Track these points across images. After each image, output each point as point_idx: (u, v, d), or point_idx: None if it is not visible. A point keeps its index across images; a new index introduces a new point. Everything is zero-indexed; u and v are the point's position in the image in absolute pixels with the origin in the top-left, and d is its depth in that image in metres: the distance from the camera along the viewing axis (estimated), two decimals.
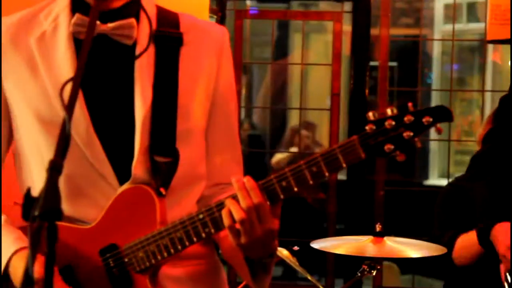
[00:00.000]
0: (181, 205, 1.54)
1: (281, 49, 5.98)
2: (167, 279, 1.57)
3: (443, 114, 1.26)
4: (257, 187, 1.30)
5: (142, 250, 1.49)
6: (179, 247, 1.41)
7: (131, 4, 1.52)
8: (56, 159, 1.10)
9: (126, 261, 1.51)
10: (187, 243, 1.40)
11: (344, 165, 1.26)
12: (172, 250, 1.42)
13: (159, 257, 1.44)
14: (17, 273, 1.40)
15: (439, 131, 1.26)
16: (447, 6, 6.25)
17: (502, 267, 2.22)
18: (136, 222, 1.52)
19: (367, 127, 1.28)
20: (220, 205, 1.32)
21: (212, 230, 1.37)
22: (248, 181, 1.29)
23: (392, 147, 1.24)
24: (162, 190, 1.48)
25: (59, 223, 1.06)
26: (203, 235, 1.38)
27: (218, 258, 1.69)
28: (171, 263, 1.56)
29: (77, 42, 1.46)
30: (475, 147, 2.77)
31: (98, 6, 1.38)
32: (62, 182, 1.25)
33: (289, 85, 6.09)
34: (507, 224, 2.20)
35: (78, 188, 1.52)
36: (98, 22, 1.45)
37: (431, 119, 1.23)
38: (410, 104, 1.25)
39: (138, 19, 1.51)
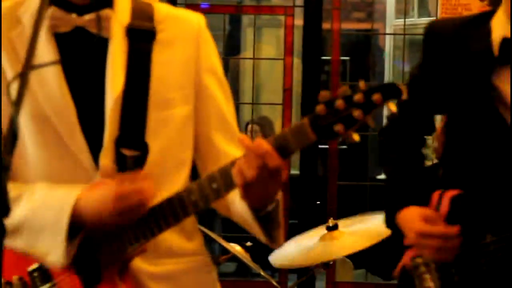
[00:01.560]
0: (164, 192, 1.58)
1: (233, 44, 6.01)
2: (151, 279, 1.62)
3: (393, 91, 1.30)
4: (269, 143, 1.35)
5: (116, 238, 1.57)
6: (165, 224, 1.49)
7: None
8: (4, 156, 1.09)
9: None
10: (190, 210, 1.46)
11: (294, 148, 1.31)
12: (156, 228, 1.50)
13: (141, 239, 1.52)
14: (89, 203, 1.44)
15: (390, 110, 1.32)
16: (398, 1, 6.37)
17: (409, 253, 2.06)
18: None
19: (317, 108, 1.32)
20: (233, 163, 1.37)
21: (202, 204, 1.42)
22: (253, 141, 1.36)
23: (343, 127, 1.27)
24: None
25: None
26: (213, 196, 1.42)
27: (209, 257, 1.72)
28: (157, 257, 1.61)
29: (57, 36, 1.52)
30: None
31: (63, 16, 1.50)
32: (45, 169, 1.51)
33: (242, 80, 6.10)
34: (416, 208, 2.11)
35: (60, 174, 1.57)
36: (75, 15, 1.55)
37: (381, 97, 1.27)
38: (361, 83, 1.28)
39: (112, 9, 1.58)
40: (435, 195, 1.97)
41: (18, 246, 1.56)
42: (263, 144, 1.31)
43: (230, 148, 1.63)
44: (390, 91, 1.29)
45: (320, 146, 4.25)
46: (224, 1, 5.42)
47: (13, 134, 1.11)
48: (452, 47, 2.00)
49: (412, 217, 1.95)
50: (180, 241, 1.67)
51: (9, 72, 1.60)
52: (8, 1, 1.71)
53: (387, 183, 2.19)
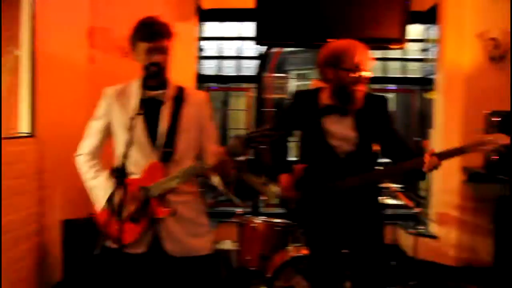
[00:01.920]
0: (183, 166, 2.79)
1: (226, 103, 7.73)
2: (175, 203, 2.79)
3: (277, 130, 2.64)
4: (224, 151, 2.56)
5: (158, 187, 2.75)
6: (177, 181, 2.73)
7: (163, 83, 2.80)
8: (125, 151, 2.44)
9: (149, 193, 2.76)
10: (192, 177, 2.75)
11: (239, 153, 2.56)
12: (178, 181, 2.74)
13: (165, 188, 2.75)
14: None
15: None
16: (297, 85, 9.20)
17: None
18: (155, 176, 2.77)
19: (246, 135, 2.54)
20: (202, 161, 2.72)
21: (195, 172, 2.72)
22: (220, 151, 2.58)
23: (256, 144, 2.49)
24: (165, 163, 2.77)
25: (129, 178, 2.52)
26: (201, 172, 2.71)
27: (201, 194, 2.96)
28: (176, 194, 2.77)
29: (142, 100, 2.69)
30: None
31: (145, 92, 2.71)
32: (135, 158, 2.74)
33: (229, 119, 7.77)
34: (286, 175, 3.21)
35: (140, 161, 2.79)
36: (149, 91, 2.78)
37: (273, 132, 2.51)
38: (266, 126, 2.49)
39: (166, 89, 2.82)
40: (296, 166, 3.21)
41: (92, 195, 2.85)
42: (222, 153, 2.55)
43: (213, 148, 2.84)
44: (276, 129, 2.58)
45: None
46: (222, 85, 6.93)
47: (129, 142, 2.52)
48: (304, 104, 3.20)
49: (283, 179, 3.21)
50: (186, 186, 2.82)
51: (117, 113, 2.83)
52: (119, 84, 2.92)
53: (274, 164, 3.34)
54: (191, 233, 2.84)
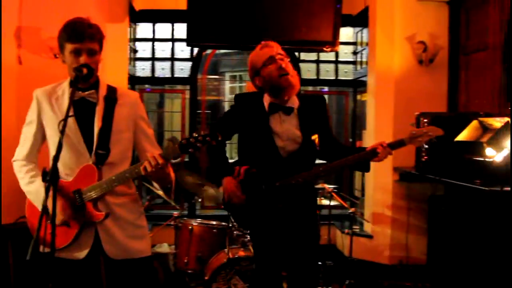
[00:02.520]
0: (116, 171, 2.73)
1: (160, 105, 8.19)
2: (113, 205, 2.78)
3: (215, 135, 2.47)
4: (159, 156, 2.55)
5: (93, 190, 2.71)
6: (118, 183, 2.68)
7: (94, 84, 2.75)
8: (56, 154, 2.28)
9: (84, 196, 2.71)
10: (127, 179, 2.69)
11: (171, 157, 2.56)
12: (113, 185, 2.68)
13: (101, 192, 2.69)
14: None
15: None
16: (231, 87, 9.11)
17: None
18: (89, 179, 2.72)
19: (182, 141, 2.51)
20: (138, 165, 2.63)
21: (130, 176, 2.67)
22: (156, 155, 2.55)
23: (192, 150, 2.47)
24: (100, 166, 2.73)
25: (61, 180, 2.64)
26: (135, 175, 2.66)
27: (138, 196, 2.95)
28: (114, 196, 2.75)
29: (73, 101, 2.60)
30: None
31: (73, 92, 2.56)
32: (67, 161, 2.71)
33: (164, 121, 8.06)
34: (229, 178, 3.27)
35: (73, 163, 2.74)
36: (80, 92, 2.72)
37: (210, 138, 2.47)
38: (202, 131, 2.48)
39: (97, 90, 2.77)
40: (236, 168, 3.26)
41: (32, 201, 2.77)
42: (158, 158, 2.54)
43: (150, 148, 2.85)
44: (214, 135, 2.47)
45: None
46: (156, 87, 7.15)
47: (60, 143, 2.30)
48: (247, 106, 3.29)
49: (228, 182, 3.25)
50: (124, 188, 2.82)
51: (48, 115, 2.75)
52: (52, 84, 2.83)
53: (213, 167, 3.34)
54: (130, 235, 2.82)
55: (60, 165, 2.42)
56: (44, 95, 2.77)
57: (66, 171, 2.75)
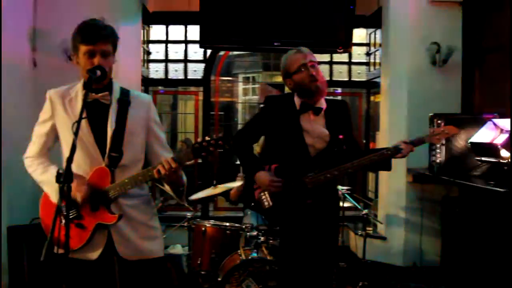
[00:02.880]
0: (129, 173, 2.73)
1: (174, 107, 8.11)
2: (126, 206, 2.78)
3: (227, 139, 2.48)
4: (172, 160, 2.55)
5: (113, 188, 2.71)
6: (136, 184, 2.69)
7: (107, 86, 2.74)
8: (70, 156, 2.28)
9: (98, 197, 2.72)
10: (142, 182, 2.70)
11: (185, 161, 2.55)
12: (131, 186, 2.68)
13: (114, 194, 2.71)
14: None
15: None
16: (244, 89, 8.96)
17: (257, 192, 3.46)
18: (102, 182, 2.73)
19: (195, 145, 2.50)
20: (150, 169, 2.63)
21: (144, 179, 2.67)
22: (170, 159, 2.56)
23: (205, 154, 2.48)
24: (113, 169, 2.73)
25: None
26: (149, 178, 2.67)
27: (151, 197, 2.96)
28: (127, 197, 2.74)
29: (86, 102, 2.55)
30: None
31: (87, 94, 2.54)
32: (80, 163, 2.71)
33: (178, 123, 8.06)
34: (263, 171, 3.41)
35: (86, 166, 2.74)
36: (93, 94, 2.71)
37: (222, 142, 2.46)
38: (215, 135, 2.44)
39: (110, 92, 2.76)
40: (266, 167, 3.41)
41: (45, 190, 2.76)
42: (171, 162, 2.52)
43: (162, 152, 2.88)
44: (226, 139, 2.46)
45: None
46: (169, 89, 7.26)
47: (74, 145, 2.31)
48: (278, 106, 3.45)
49: (262, 175, 3.38)
50: (137, 189, 2.81)
51: (61, 117, 2.76)
52: (68, 85, 2.84)
53: (242, 163, 3.54)
54: (143, 236, 2.82)
55: (73, 167, 2.40)
56: (57, 96, 2.77)
57: (80, 173, 2.73)
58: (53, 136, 2.82)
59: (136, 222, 2.81)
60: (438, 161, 5.01)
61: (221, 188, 4.92)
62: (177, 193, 2.82)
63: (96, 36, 2.63)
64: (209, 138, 2.49)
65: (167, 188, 2.86)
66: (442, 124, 4.66)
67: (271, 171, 3.40)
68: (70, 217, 2.60)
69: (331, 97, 3.82)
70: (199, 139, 2.51)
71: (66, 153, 2.62)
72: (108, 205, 2.72)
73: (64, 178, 2.25)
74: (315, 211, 3.39)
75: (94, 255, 2.76)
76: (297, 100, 3.47)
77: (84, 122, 2.64)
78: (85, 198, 2.66)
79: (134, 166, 2.81)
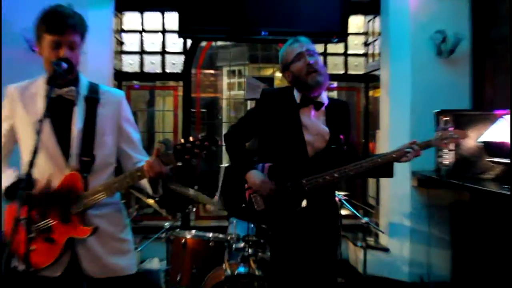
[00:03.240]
0: (100, 179, 2.73)
1: (150, 103, 8.19)
2: (92, 216, 2.74)
3: (213, 140, 2.43)
4: (157, 158, 2.53)
5: (78, 202, 2.67)
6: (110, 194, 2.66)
7: (73, 80, 2.72)
8: (31, 160, 2.21)
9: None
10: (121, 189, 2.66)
11: (167, 163, 2.52)
12: (104, 195, 2.65)
13: (88, 204, 2.67)
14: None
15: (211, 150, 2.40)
16: (229, 83, 9.09)
17: (248, 192, 3.44)
18: (73, 188, 2.68)
19: (177, 147, 2.44)
20: (140, 168, 2.60)
21: (132, 181, 2.63)
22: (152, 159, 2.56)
23: (189, 157, 2.42)
24: (84, 174, 2.70)
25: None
26: (131, 182, 2.64)
27: (122, 204, 2.93)
28: (96, 207, 2.71)
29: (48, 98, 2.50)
30: None
31: (51, 90, 2.50)
32: (42, 168, 2.63)
33: (155, 121, 8.17)
34: (255, 171, 3.41)
35: (50, 171, 2.69)
36: (57, 89, 2.66)
37: (208, 143, 2.42)
38: (200, 135, 2.39)
39: (77, 87, 2.74)
40: (259, 166, 3.43)
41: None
42: (156, 164, 2.52)
43: (136, 154, 2.88)
44: (213, 139, 2.42)
45: None
46: (145, 83, 7.28)
47: (36, 149, 2.25)
48: (276, 99, 3.48)
49: (253, 175, 3.38)
50: (108, 199, 2.76)
51: (20, 115, 2.73)
52: (24, 82, 2.80)
53: (234, 162, 3.54)
54: (112, 250, 2.79)
55: (35, 172, 2.40)
56: (17, 93, 2.74)
57: (42, 180, 2.70)
58: (13, 137, 2.79)
59: (104, 235, 2.77)
60: (446, 162, 5.02)
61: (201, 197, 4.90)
62: (154, 186, 2.76)
63: (63, 25, 2.59)
64: (193, 139, 2.44)
65: (142, 183, 2.79)
66: (451, 127, 4.63)
67: (265, 171, 3.41)
68: (41, 229, 2.63)
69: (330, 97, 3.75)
70: (182, 140, 2.47)
71: (25, 156, 2.65)
72: (82, 216, 2.70)
73: (26, 185, 2.20)
74: (311, 219, 3.40)
75: (56, 272, 2.71)
76: (297, 94, 3.51)
77: (46, 121, 2.62)
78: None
79: (105, 171, 2.80)
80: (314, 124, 3.46)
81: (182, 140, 2.44)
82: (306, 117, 3.45)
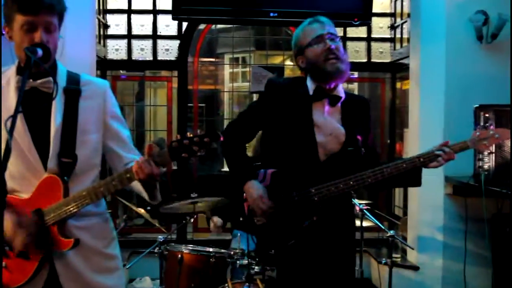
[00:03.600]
0: (83, 183, 2.73)
1: (140, 97, 8.22)
2: (73, 228, 2.74)
3: (215, 135, 2.41)
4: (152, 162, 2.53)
5: (54, 211, 2.65)
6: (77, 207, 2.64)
7: (50, 69, 2.66)
8: (2, 161, 2.10)
9: (46, 218, 2.67)
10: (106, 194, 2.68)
11: (161, 163, 2.52)
12: (84, 203, 2.65)
13: (68, 211, 2.64)
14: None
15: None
16: (230, 73, 9.16)
17: (246, 204, 3.43)
18: (51, 195, 2.67)
19: (173, 144, 2.44)
20: (129, 169, 2.58)
21: (120, 185, 2.61)
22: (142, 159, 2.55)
23: (187, 155, 2.41)
24: (65, 178, 2.68)
25: (9, 195, 2.59)
26: (120, 186, 2.63)
27: (108, 214, 2.96)
28: (76, 217, 2.71)
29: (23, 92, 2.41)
30: None
31: (24, 80, 2.40)
32: (14, 172, 2.64)
33: (145, 117, 8.50)
34: (253, 182, 3.37)
35: (23, 175, 2.69)
36: (31, 80, 2.66)
37: (208, 139, 2.40)
38: (199, 131, 2.42)
39: (54, 77, 2.68)
40: (261, 173, 3.41)
41: None
42: (146, 165, 2.51)
43: (125, 153, 2.89)
44: (214, 135, 2.41)
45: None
46: (134, 73, 7.44)
47: (8, 148, 2.14)
48: (285, 91, 3.43)
49: (251, 187, 3.33)
50: (91, 206, 2.77)
51: None
52: None
53: (231, 168, 3.53)
54: (96, 268, 2.79)
55: (6, 176, 2.36)
56: None
57: (14, 185, 2.70)
58: None
59: (87, 250, 2.77)
60: (486, 167, 5.01)
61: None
62: (149, 190, 2.73)
63: (38, 4, 2.57)
64: (191, 135, 2.43)
65: (136, 188, 2.77)
66: (492, 125, 4.61)
67: (266, 179, 3.39)
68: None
69: (347, 91, 3.71)
70: (178, 136, 2.46)
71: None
72: (61, 227, 2.68)
73: None
74: (322, 233, 3.36)
75: None
76: (310, 84, 3.43)
77: (19, 118, 2.56)
78: (25, 245, 2.63)
79: (89, 174, 2.81)
80: (328, 122, 3.40)
81: (178, 136, 2.43)
82: (319, 114, 3.40)
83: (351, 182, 3.27)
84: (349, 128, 3.39)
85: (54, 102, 2.71)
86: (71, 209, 2.66)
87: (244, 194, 3.39)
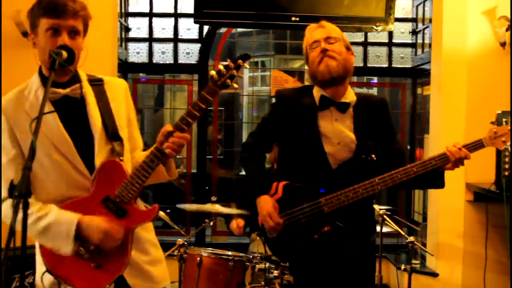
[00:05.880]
0: (129, 162, 2.82)
1: (159, 100, 8.64)
2: (146, 242, 2.86)
3: (245, 56, 2.51)
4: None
5: (125, 189, 2.65)
6: (144, 177, 2.63)
7: (73, 77, 2.72)
8: (27, 162, 2.12)
9: (117, 200, 2.67)
10: (149, 171, 2.63)
11: (209, 97, 2.51)
12: (140, 180, 2.62)
13: (134, 189, 2.63)
14: (91, 226, 2.57)
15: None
16: (250, 77, 9.10)
17: (260, 218, 3.43)
18: (114, 178, 2.68)
19: (213, 76, 2.52)
20: (159, 149, 2.58)
21: (156, 162, 2.61)
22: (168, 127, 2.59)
23: (229, 80, 2.47)
24: (121, 158, 2.74)
25: (69, 202, 2.61)
26: (154, 164, 2.61)
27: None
28: (146, 230, 2.85)
29: (53, 102, 2.63)
30: None
31: (52, 91, 2.57)
32: (52, 186, 2.68)
33: (164, 121, 8.49)
34: (267, 197, 3.40)
35: (66, 179, 2.69)
36: (61, 89, 2.68)
37: (241, 60, 2.49)
38: (228, 60, 2.49)
39: (80, 83, 2.73)
40: (274, 184, 3.43)
41: (43, 244, 2.69)
42: (184, 135, 2.58)
43: (137, 137, 2.98)
44: (243, 56, 2.52)
45: (207, 156, 6.70)
46: (154, 76, 7.56)
47: (32, 150, 2.12)
48: (292, 103, 3.42)
49: (263, 201, 3.36)
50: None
51: (27, 132, 2.52)
52: (16, 88, 2.76)
53: (246, 179, 3.58)
54: (152, 259, 2.85)
55: (42, 194, 2.50)
56: (12, 108, 2.68)
57: (56, 201, 2.68)
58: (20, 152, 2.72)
59: (143, 242, 2.82)
60: (508, 173, 4.95)
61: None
62: (168, 168, 2.79)
63: (63, 8, 2.58)
64: (225, 63, 2.49)
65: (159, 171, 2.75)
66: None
67: (278, 192, 3.39)
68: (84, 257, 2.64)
69: (361, 92, 3.69)
70: (215, 69, 2.51)
71: (42, 175, 2.65)
72: (133, 203, 2.75)
73: (21, 190, 2.06)
74: (341, 240, 3.35)
75: None
76: (316, 92, 3.41)
77: (54, 127, 2.63)
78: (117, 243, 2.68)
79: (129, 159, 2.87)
80: (336, 131, 3.37)
81: (216, 69, 2.49)
82: (327, 123, 3.37)
83: (360, 190, 3.25)
84: (360, 134, 3.36)
85: (87, 105, 2.75)
86: (140, 183, 2.67)
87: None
